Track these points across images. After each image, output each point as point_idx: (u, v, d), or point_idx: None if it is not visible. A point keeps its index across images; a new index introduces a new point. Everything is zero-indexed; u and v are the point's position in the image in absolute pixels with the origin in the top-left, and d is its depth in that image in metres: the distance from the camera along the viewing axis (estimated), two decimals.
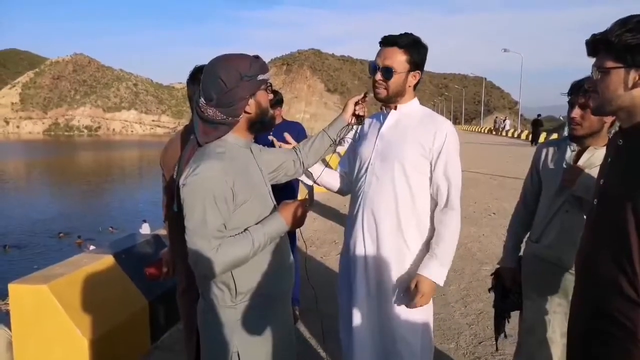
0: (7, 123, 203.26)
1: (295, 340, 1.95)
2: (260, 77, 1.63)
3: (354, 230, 2.15)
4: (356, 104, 2.06)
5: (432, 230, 2.15)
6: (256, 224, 1.65)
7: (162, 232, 4.08)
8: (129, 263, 3.48)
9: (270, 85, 1.72)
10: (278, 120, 3.53)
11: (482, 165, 15.09)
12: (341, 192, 2.37)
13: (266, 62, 1.71)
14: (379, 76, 2.03)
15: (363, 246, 2.11)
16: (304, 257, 2.95)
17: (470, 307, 4.26)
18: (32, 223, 20.09)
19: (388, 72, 2.00)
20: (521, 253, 2.45)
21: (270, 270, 1.71)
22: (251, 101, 1.63)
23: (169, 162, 2.26)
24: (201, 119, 1.65)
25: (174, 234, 2.40)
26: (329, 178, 2.32)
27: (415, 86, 2.11)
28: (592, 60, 1.39)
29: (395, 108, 2.12)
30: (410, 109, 2.12)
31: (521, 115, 58.42)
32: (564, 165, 2.17)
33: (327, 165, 2.31)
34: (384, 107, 2.16)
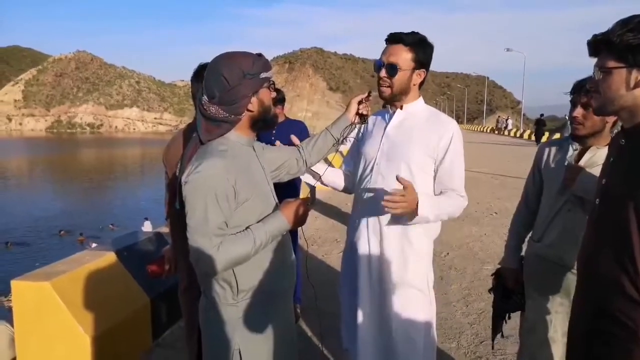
0: (10, 120, 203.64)
1: (297, 338, 1.96)
2: (263, 75, 1.63)
3: (357, 229, 2.15)
4: (360, 103, 2.05)
5: (436, 230, 2.15)
6: (258, 222, 1.65)
7: (164, 229, 4.08)
8: (131, 260, 3.48)
9: (273, 83, 1.72)
10: (280, 119, 3.54)
11: (484, 165, 15.07)
12: (346, 190, 2.37)
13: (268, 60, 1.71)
14: (383, 73, 2.03)
15: (367, 245, 2.11)
16: (305, 256, 2.95)
17: (472, 306, 4.26)
18: (34, 220, 20.14)
19: (392, 69, 2.00)
20: (523, 253, 2.44)
21: (271, 268, 1.71)
22: (254, 99, 1.63)
23: (172, 159, 2.26)
24: (204, 117, 1.65)
25: (176, 232, 2.41)
26: (334, 177, 2.32)
27: (420, 85, 2.11)
28: (594, 60, 1.39)
29: (401, 107, 2.11)
30: (415, 109, 2.12)
31: (524, 115, 58.31)
32: (566, 165, 2.17)
33: (329, 164, 2.30)
34: (389, 106, 2.16)
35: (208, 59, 1.71)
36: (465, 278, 5.01)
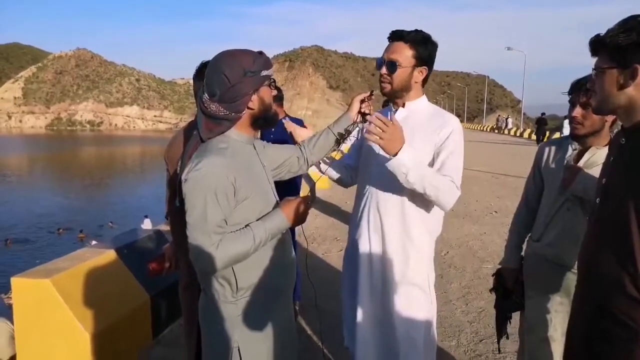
0: (10, 117, 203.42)
1: (297, 336, 1.96)
2: (264, 73, 1.63)
3: (359, 227, 2.15)
4: (362, 101, 2.05)
5: (437, 228, 2.15)
6: (258, 220, 1.65)
7: (164, 227, 4.09)
8: (131, 258, 3.48)
9: (274, 81, 1.72)
10: (280, 116, 3.54)
11: (484, 164, 15.07)
12: (340, 181, 2.34)
13: None
14: (383, 70, 2.03)
15: (368, 242, 2.11)
16: (305, 254, 2.95)
17: (472, 304, 4.27)
18: (34, 218, 20.12)
19: (392, 66, 2.00)
20: (523, 252, 2.45)
21: (271, 265, 1.71)
22: (254, 97, 1.63)
23: (173, 157, 2.26)
24: (204, 115, 1.65)
25: (176, 229, 2.41)
26: (332, 167, 2.30)
27: (423, 83, 2.10)
28: (595, 59, 1.40)
29: (404, 105, 2.11)
30: (418, 106, 2.11)
31: (524, 114, 58.30)
32: (565, 165, 2.17)
33: (332, 160, 2.30)
34: (391, 104, 2.15)
35: (208, 57, 1.70)
36: (464, 276, 5.02)
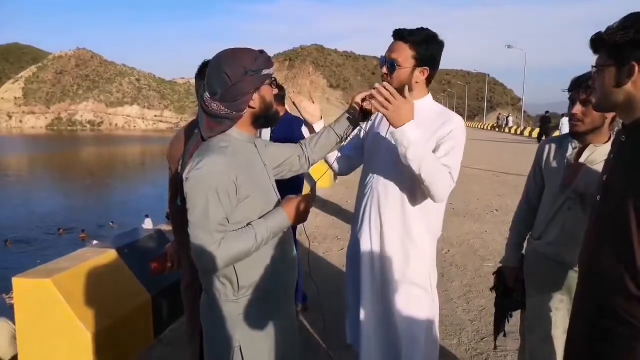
0: (10, 117, 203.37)
1: (298, 334, 1.96)
2: (265, 71, 1.63)
3: (359, 225, 2.15)
4: (363, 100, 2.05)
5: (438, 228, 2.14)
6: (259, 218, 1.65)
7: (165, 227, 4.10)
8: (132, 257, 3.49)
9: (275, 80, 1.72)
10: (281, 113, 3.53)
11: (485, 162, 15.07)
12: (333, 168, 2.31)
13: None
14: (384, 69, 2.03)
15: (369, 241, 2.11)
16: (306, 253, 2.95)
17: (473, 303, 4.27)
18: (34, 217, 20.11)
19: (392, 66, 1.99)
20: (523, 251, 2.45)
21: (272, 264, 1.71)
22: (255, 96, 1.63)
23: (175, 156, 2.26)
24: (205, 113, 1.65)
25: (178, 228, 2.41)
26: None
27: (428, 82, 2.08)
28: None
29: None
30: (422, 106, 2.07)
31: (524, 112, 58.27)
32: (565, 164, 2.17)
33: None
34: None
35: (208, 55, 1.71)
36: (465, 275, 5.02)
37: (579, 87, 2.05)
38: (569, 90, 2.12)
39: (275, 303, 1.76)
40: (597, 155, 2.06)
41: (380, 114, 2.19)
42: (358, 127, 2.15)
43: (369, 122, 2.22)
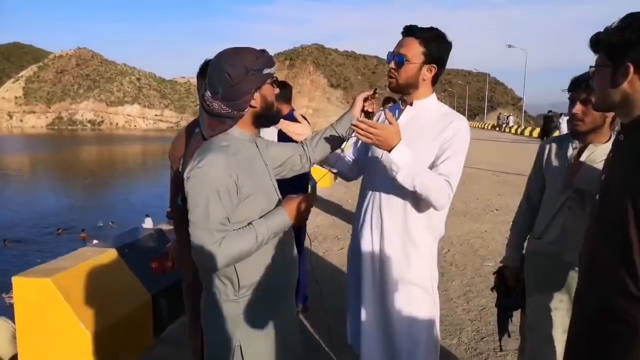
0: (11, 117, 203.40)
1: (299, 334, 1.96)
2: (266, 70, 1.63)
3: (361, 226, 2.15)
4: (365, 100, 2.03)
5: (441, 229, 2.14)
6: (260, 218, 1.65)
7: (165, 226, 4.09)
8: (132, 257, 3.49)
9: (276, 79, 1.72)
10: (286, 112, 3.51)
11: (485, 162, 15.06)
12: (342, 175, 2.33)
13: None
14: (392, 64, 2.02)
15: (370, 242, 2.11)
16: (309, 253, 2.94)
17: (473, 303, 4.26)
18: (34, 217, 20.13)
19: (400, 61, 1.97)
20: (524, 250, 2.44)
21: (273, 264, 1.71)
22: (257, 95, 1.63)
23: (177, 155, 2.27)
24: (207, 113, 1.65)
25: (180, 227, 2.41)
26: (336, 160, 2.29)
27: (433, 82, 2.06)
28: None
29: (412, 104, 2.08)
30: (426, 105, 2.06)
31: (525, 112, 58.28)
32: (567, 165, 2.17)
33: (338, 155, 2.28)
34: (400, 102, 2.13)
35: (209, 55, 1.71)
36: (465, 274, 5.02)
37: (579, 87, 2.05)
38: (569, 90, 2.12)
39: (276, 303, 1.76)
40: (597, 154, 2.06)
41: (383, 115, 2.19)
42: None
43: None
